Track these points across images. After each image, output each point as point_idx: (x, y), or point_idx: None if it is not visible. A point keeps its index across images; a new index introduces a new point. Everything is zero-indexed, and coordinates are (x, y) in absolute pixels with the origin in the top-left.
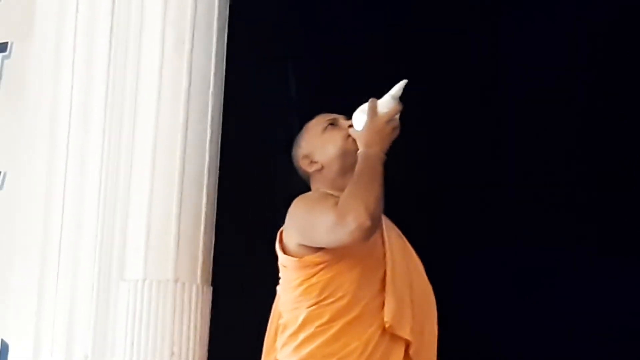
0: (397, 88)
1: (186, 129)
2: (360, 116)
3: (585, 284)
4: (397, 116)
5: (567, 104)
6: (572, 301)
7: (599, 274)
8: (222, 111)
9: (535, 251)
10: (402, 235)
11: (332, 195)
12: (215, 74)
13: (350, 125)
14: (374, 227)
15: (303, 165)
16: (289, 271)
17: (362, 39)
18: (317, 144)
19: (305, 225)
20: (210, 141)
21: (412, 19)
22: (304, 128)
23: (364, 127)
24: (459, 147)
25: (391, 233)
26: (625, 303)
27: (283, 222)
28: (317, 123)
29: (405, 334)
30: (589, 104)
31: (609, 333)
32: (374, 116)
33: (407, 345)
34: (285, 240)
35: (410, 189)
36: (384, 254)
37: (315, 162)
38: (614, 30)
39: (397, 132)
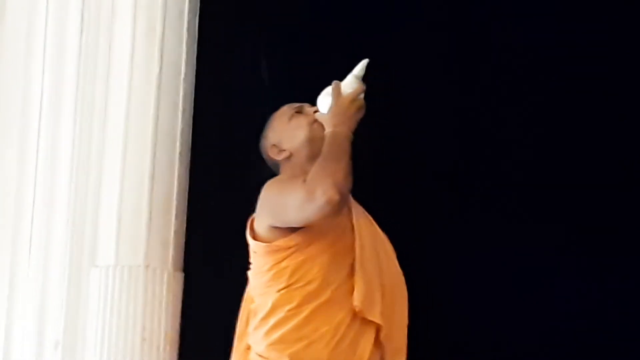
0: (360, 67)
1: (157, 115)
2: (325, 99)
3: (585, 284)
4: (362, 96)
5: (570, 104)
6: (572, 300)
7: (601, 273)
8: (193, 98)
9: (535, 250)
10: (373, 222)
11: (301, 177)
12: (186, 60)
13: (316, 111)
14: (343, 200)
15: (272, 154)
16: (259, 257)
17: (341, 21)
18: (285, 132)
19: (276, 206)
20: (182, 127)
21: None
22: (270, 118)
23: (329, 110)
24: (458, 144)
25: (360, 218)
26: (626, 303)
27: (254, 209)
28: (283, 112)
29: (375, 317)
30: (593, 104)
31: (610, 332)
32: (338, 97)
33: (378, 329)
34: (256, 226)
35: (409, 188)
36: (353, 240)
37: (284, 150)
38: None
39: (362, 111)
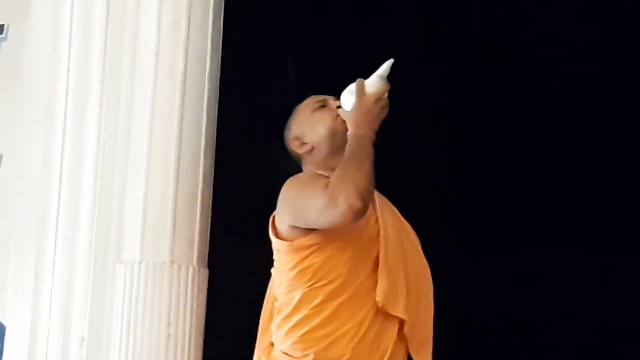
0: (384, 67)
1: (182, 111)
2: (348, 97)
3: (587, 284)
4: (386, 95)
5: (576, 104)
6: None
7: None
8: (218, 94)
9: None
10: (397, 211)
11: (323, 175)
12: (211, 57)
13: (339, 106)
14: (365, 208)
15: (294, 147)
16: (282, 255)
17: (363, 18)
18: (307, 126)
19: (296, 207)
20: (207, 124)
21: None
22: (294, 110)
23: (352, 108)
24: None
25: (384, 209)
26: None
27: (276, 206)
28: (307, 105)
29: (399, 312)
30: (599, 104)
31: (611, 332)
32: (362, 96)
33: (402, 323)
34: (277, 223)
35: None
36: (377, 232)
37: (305, 144)
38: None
39: (386, 111)
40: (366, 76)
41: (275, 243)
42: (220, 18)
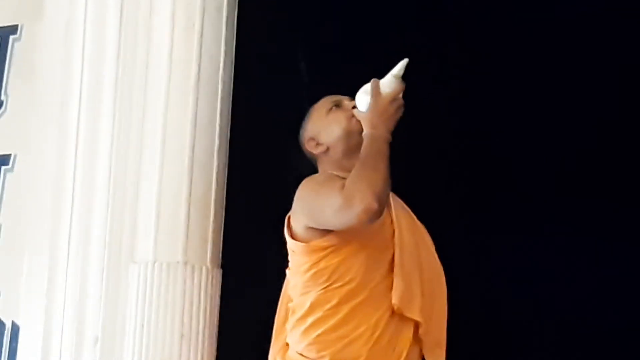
0: (399, 67)
1: (196, 111)
2: (363, 97)
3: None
4: (401, 95)
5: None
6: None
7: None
8: (232, 93)
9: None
10: (411, 213)
11: (338, 176)
12: (225, 56)
13: (355, 106)
14: (381, 209)
15: (309, 147)
16: (298, 256)
17: (377, 18)
18: (322, 126)
19: (312, 208)
20: (220, 123)
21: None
22: (310, 110)
23: (367, 108)
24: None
25: (399, 212)
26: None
27: (291, 206)
28: (322, 105)
29: (414, 315)
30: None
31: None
32: (377, 97)
33: (417, 325)
34: (293, 224)
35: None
36: (393, 234)
37: (321, 144)
38: None
39: (401, 111)
40: (380, 76)
41: (291, 244)
42: (233, 18)
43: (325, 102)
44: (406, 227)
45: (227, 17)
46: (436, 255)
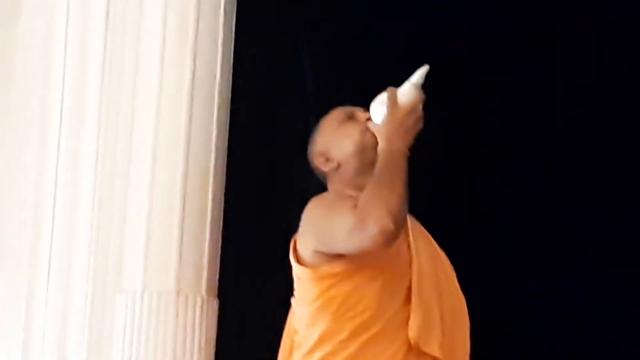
0: (418, 75)
1: (190, 124)
2: (379, 108)
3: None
4: (420, 106)
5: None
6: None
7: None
8: (229, 106)
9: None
10: (431, 238)
11: (350, 196)
12: (222, 65)
13: (369, 118)
14: (398, 231)
15: (318, 163)
16: (304, 283)
17: (386, 21)
18: (333, 140)
19: (321, 230)
20: (217, 138)
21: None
22: (319, 123)
23: (383, 120)
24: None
25: (418, 236)
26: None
27: (297, 228)
28: (333, 117)
29: (433, 350)
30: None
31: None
32: (394, 107)
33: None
34: (299, 248)
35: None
36: (410, 261)
37: (331, 160)
38: None
39: (420, 123)
40: (391, 85)
41: (297, 270)
42: (232, 20)
43: (336, 114)
44: (425, 253)
45: (225, 20)
46: (457, 285)
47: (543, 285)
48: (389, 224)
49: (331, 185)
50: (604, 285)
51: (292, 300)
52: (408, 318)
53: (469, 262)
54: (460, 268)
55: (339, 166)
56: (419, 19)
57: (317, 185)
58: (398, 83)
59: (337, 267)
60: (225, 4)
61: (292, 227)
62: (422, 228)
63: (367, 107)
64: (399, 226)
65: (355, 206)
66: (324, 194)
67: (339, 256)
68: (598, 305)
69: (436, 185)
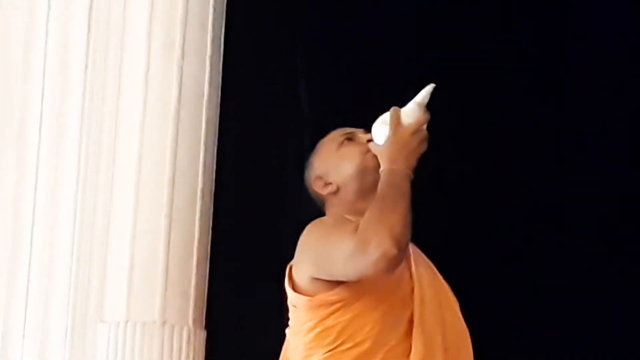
0: (423, 94)
1: (176, 146)
2: (382, 128)
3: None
4: (425, 127)
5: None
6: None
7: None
8: (218, 125)
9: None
10: (434, 267)
11: (350, 220)
12: (210, 81)
13: (370, 140)
14: (401, 255)
15: (316, 187)
16: (300, 312)
17: (386, 35)
18: (332, 163)
19: (319, 256)
20: (204, 160)
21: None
22: (317, 146)
23: (386, 141)
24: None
25: (420, 265)
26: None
27: (290, 255)
28: (332, 139)
29: None
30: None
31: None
32: (397, 127)
33: None
34: (295, 275)
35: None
36: (412, 290)
37: (330, 184)
38: None
39: (425, 145)
40: (399, 102)
41: (292, 298)
42: (220, 36)
43: (335, 136)
44: (428, 282)
45: (213, 35)
46: (461, 316)
47: (543, 286)
48: (391, 248)
49: (329, 210)
50: (604, 286)
51: (287, 331)
52: (409, 350)
53: (469, 262)
54: (461, 268)
55: (338, 190)
56: (415, 33)
57: (312, 208)
58: (401, 102)
59: (335, 294)
60: (213, 19)
61: (285, 253)
62: (424, 256)
63: (361, 126)
64: (402, 251)
65: (356, 230)
66: (322, 218)
67: (337, 283)
68: (598, 305)
69: (436, 185)
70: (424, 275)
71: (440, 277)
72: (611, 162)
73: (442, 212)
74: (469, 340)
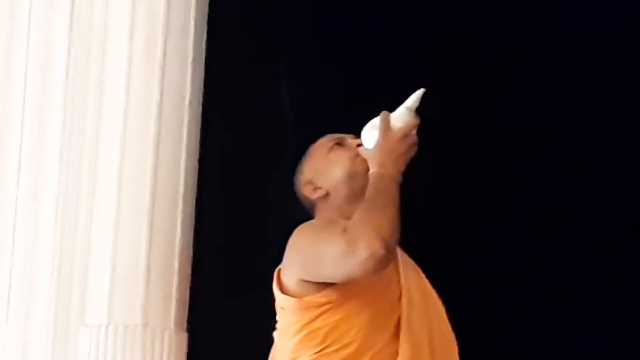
0: (414, 99)
1: (157, 149)
2: (371, 133)
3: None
4: (414, 131)
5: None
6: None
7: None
8: (200, 128)
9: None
10: (422, 274)
11: (339, 222)
12: (192, 85)
13: (360, 144)
14: (389, 256)
15: (306, 192)
16: (288, 313)
17: (372, 37)
18: (321, 167)
19: (308, 257)
20: (186, 163)
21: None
22: (307, 151)
23: (375, 145)
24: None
25: (408, 270)
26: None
27: (273, 258)
28: (321, 144)
29: None
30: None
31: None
32: (387, 132)
33: None
34: (284, 277)
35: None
36: (400, 294)
37: (320, 188)
38: None
39: (414, 149)
40: (388, 106)
41: (280, 300)
42: (202, 38)
43: (325, 141)
44: (416, 287)
45: (195, 39)
46: (448, 323)
47: (543, 286)
48: (379, 249)
49: (319, 215)
50: (605, 285)
51: (274, 334)
52: (396, 354)
53: (469, 262)
54: (461, 268)
55: (327, 194)
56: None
57: (296, 211)
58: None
59: (323, 296)
60: (195, 21)
61: (269, 255)
62: (412, 262)
63: (357, 134)
64: (390, 252)
65: (345, 230)
66: (311, 221)
67: (325, 285)
68: (598, 305)
69: (436, 185)
70: (412, 280)
71: (427, 282)
72: (611, 162)
73: (442, 212)
74: (455, 345)
